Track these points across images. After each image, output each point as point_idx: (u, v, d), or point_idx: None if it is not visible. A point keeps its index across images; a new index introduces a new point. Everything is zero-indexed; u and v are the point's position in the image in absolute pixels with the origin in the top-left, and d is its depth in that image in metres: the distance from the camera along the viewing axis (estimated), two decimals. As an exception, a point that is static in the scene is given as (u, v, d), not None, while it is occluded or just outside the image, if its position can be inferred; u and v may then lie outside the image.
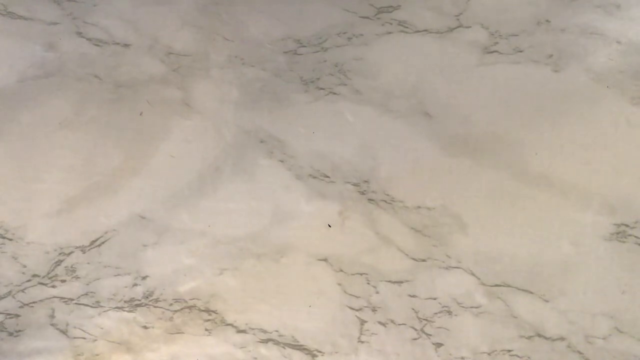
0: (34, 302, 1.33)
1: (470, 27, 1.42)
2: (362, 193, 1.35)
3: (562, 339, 1.26)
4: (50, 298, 1.33)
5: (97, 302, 1.33)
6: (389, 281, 1.31)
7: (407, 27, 1.43)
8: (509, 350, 1.27)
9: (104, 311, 1.32)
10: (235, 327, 1.31)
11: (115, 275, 1.34)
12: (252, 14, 1.46)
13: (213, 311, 1.32)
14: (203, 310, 1.32)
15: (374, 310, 1.30)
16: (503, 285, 1.29)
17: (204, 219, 1.36)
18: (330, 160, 1.38)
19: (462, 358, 1.27)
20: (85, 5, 1.47)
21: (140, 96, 1.42)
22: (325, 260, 1.33)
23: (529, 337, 1.27)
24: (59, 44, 1.45)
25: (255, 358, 1.30)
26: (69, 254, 1.34)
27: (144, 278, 1.34)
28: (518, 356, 1.27)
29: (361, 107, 1.40)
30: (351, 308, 1.31)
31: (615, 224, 1.29)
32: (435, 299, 1.30)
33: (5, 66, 1.43)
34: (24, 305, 1.33)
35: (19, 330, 1.32)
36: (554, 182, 1.32)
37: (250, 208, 1.36)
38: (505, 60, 1.39)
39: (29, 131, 1.40)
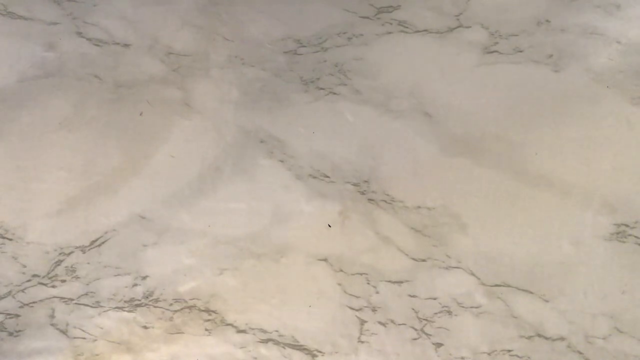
0: (34, 302, 1.33)
1: (470, 27, 1.42)
2: (362, 193, 1.35)
3: (562, 339, 1.26)
4: (50, 298, 1.33)
5: (97, 302, 1.33)
6: (389, 281, 1.31)
7: (407, 27, 1.43)
8: (509, 350, 1.27)
9: (104, 311, 1.32)
10: (235, 327, 1.31)
11: (115, 275, 1.34)
12: (252, 14, 1.46)
13: (213, 311, 1.32)
14: (203, 310, 1.32)
15: (374, 310, 1.30)
16: (503, 285, 1.29)
17: (204, 219, 1.36)
18: (330, 160, 1.38)
19: (462, 358, 1.27)
20: (85, 5, 1.47)
21: (140, 96, 1.42)
22: (325, 260, 1.33)
23: (529, 337, 1.27)
24: (59, 44, 1.45)
25: (255, 358, 1.30)
26: (69, 254, 1.34)
27: (144, 278, 1.34)
28: (518, 356, 1.27)
29: (361, 107, 1.40)
30: (351, 308, 1.31)
31: (615, 224, 1.29)
32: (435, 299, 1.30)
33: (5, 66, 1.43)
34: (24, 305, 1.33)
35: (19, 330, 1.32)
36: (554, 182, 1.32)
37: (250, 208, 1.36)
38: (505, 60, 1.39)
39: (29, 131, 1.40)
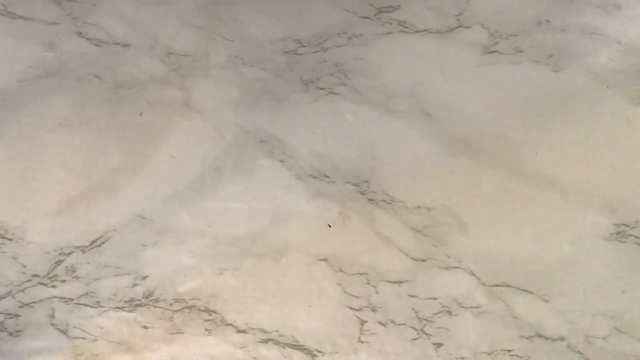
0: (34, 302, 1.33)
1: (470, 27, 1.42)
2: (362, 193, 1.35)
3: (562, 339, 1.26)
4: (50, 298, 1.33)
5: (97, 302, 1.33)
6: (389, 281, 1.31)
7: (407, 27, 1.43)
8: (509, 350, 1.27)
9: (104, 311, 1.32)
10: (235, 327, 1.31)
11: (115, 275, 1.34)
12: (252, 14, 1.46)
13: (213, 311, 1.32)
14: (203, 310, 1.32)
15: (374, 310, 1.30)
16: (503, 285, 1.29)
17: (204, 219, 1.36)
18: (330, 160, 1.38)
19: (462, 358, 1.27)
20: (85, 5, 1.47)
21: (140, 96, 1.42)
22: (325, 260, 1.33)
23: (529, 337, 1.27)
24: (59, 44, 1.45)
25: (255, 358, 1.30)
26: (69, 254, 1.34)
27: (144, 278, 1.34)
28: (518, 356, 1.27)
29: (361, 107, 1.40)
30: (351, 308, 1.31)
31: (615, 224, 1.29)
32: (435, 299, 1.30)
33: (6, 66, 1.43)
34: (24, 305, 1.33)
35: (19, 330, 1.32)
36: (554, 182, 1.32)
37: (250, 208, 1.36)
38: (505, 60, 1.39)
39: (29, 131, 1.40)
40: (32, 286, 1.33)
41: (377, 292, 1.31)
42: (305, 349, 1.30)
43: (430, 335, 1.29)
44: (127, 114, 1.41)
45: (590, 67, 1.37)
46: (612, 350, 1.25)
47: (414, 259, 1.32)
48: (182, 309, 1.32)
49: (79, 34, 1.45)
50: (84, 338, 1.31)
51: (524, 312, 1.28)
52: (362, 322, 1.30)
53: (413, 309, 1.30)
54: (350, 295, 1.31)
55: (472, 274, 1.30)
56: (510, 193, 1.33)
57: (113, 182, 1.38)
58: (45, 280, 1.33)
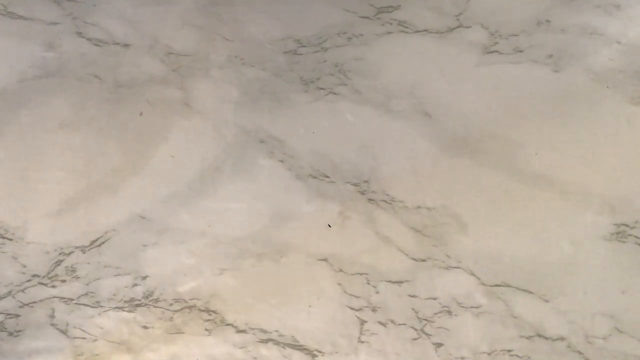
0: (34, 302, 1.33)
1: (470, 27, 1.42)
2: (362, 193, 1.35)
3: (562, 339, 1.26)
4: (50, 298, 1.33)
5: (97, 302, 1.33)
6: (389, 281, 1.31)
7: (407, 27, 1.43)
8: (509, 350, 1.27)
9: (104, 311, 1.32)
10: (235, 327, 1.31)
11: (115, 275, 1.34)
12: (252, 14, 1.46)
13: (213, 311, 1.32)
14: (203, 310, 1.32)
15: (374, 310, 1.30)
16: (503, 285, 1.29)
17: (204, 219, 1.36)
18: (330, 160, 1.38)
19: (462, 358, 1.27)
20: (85, 5, 1.47)
21: (140, 96, 1.42)
22: (325, 260, 1.33)
23: (529, 337, 1.27)
24: (59, 44, 1.45)
25: (255, 358, 1.30)
26: (69, 254, 1.34)
27: (144, 278, 1.34)
28: (518, 356, 1.27)
29: (361, 107, 1.40)
30: (351, 308, 1.31)
31: (615, 224, 1.29)
32: (435, 299, 1.30)
33: (6, 66, 1.43)
34: (24, 305, 1.33)
35: (19, 330, 1.32)
36: (554, 182, 1.32)
37: (250, 208, 1.36)
38: (505, 60, 1.39)
39: (29, 131, 1.40)
40: (32, 286, 1.33)
41: (377, 292, 1.31)
42: (305, 349, 1.30)
43: (430, 335, 1.29)
44: (127, 114, 1.41)
45: (590, 67, 1.37)
46: (612, 350, 1.25)
47: (414, 259, 1.32)
48: (182, 309, 1.32)
49: (79, 34, 1.45)
50: (84, 338, 1.31)
51: (524, 312, 1.28)
52: (362, 322, 1.30)
53: (413, 309, 1.30)
54: (350, 295, 1.31)
55: (472, 274, 1.30)
56: (510, 193, 1.33)
57: (113, 182, 1.38)
58: (45, 280, 1.33)
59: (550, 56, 1.38)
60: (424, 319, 1.29)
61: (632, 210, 1.30)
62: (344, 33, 1.44)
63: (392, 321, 1.30)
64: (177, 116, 1.41)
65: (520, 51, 1.39)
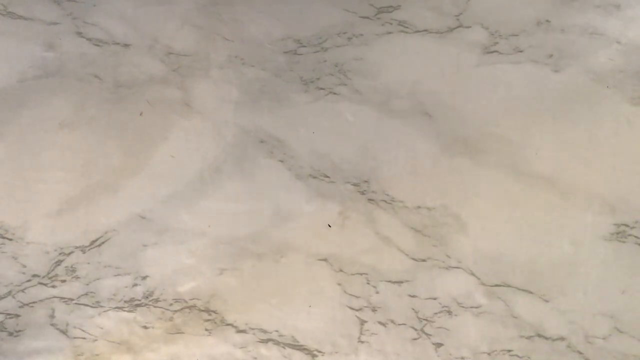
0: (34, 302, 1.33)
1: (470, 27, 1.42)
2: (362, 193, 1.35)
3: (562, 339, 1.26)
4: (50, 298, 1.33)
5: (97, 302, 1.33)
6: (389, 281, 1.31)
7: (407, 27, 1.43)
8: (509, 350, 1.27)
9: (104, 311, 1.32)
10: (235, 327, 1.31)
11: (115, 275, 1.34)
12: (252, 14, 1.46)
13: (213, 311, 1.32)
14: (203, 310, 1.32)
15: (374, 310, 1.30)
16: (503, 285, 1.29)
17: (204, 219, 1.36)
18: (330, 160, 1.38)
19: (462, 358, 1.27)
20: (85, 5, 1.47)
21: (140, 96, 1.42)
22: (325, 260, 1.33)
23: (529, 337, 1.27)
24: (59, 44, 1.45)
25: (255, 358, 1.30)
26: (69, 254, 1.34)
27: (144, 278, 1.34)
28: (518, 356, 1.27)
29: (361, 107, 1.40)
30: (351, 308, 1.31)
31: (615, 224, 1.29)
32: (435, 299, 1.30)
33: (6, 66, 1.43)
34: (24, 305, 1.33)
35: (19, 330, 1.32)
36: (554, 182, 1.32)
37: (250, 208, 1.36)
38: (505, 60, 1.39)
39: (29, 131, 1.40)
40: (32, 286, 1.33)
41: (377, 292, 1.31)
42: (305, 349, 1.30)
43: (430, 335, 1.29)
44: (127, 114, 1.41)
45: (590, 67, 1.37)
46: (612, 350, 1.25)
47: (414, 259, 1.32)
48: (182, 309, 1.32)
49: (79, 34, 1.45)
50: (84, 338, 1.31)
51: (524, 312, 1.28)
52: (362, 322, 1.30)
53: (413, 309, 1.30)
54: (350, 295, 1.31)
55: (472, 274, 1.30)
56: (510, 193, 1.33)
57: (113, 182, 1.38)
58: (45, 280, 1.33)
59: (550, 56, 1.38)
60: (424, 319, 1.29)
61: (632, 210, 1.30)
62: (344, 33, 1.44)
63: (392, 321, 1.30)
64: (177, 116, 1.41)
65: (520, 51, 1.39)
